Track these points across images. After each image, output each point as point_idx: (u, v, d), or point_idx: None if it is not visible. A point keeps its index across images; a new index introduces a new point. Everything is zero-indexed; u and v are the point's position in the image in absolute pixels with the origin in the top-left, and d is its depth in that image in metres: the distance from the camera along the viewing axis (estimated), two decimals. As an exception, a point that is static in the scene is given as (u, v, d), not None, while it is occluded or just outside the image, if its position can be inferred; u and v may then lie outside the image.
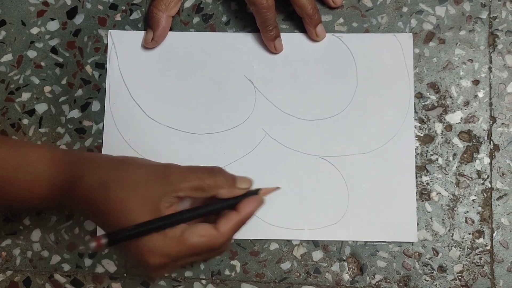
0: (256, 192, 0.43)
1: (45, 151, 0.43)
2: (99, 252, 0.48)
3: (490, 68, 0.52)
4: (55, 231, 0.52)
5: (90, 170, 0.41)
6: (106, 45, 0.54)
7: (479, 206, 0.51)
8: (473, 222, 0.51)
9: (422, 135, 0.52)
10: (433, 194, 0.51)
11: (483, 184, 0.51)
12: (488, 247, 0.50)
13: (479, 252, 0.50)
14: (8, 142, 0.45)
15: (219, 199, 0.41)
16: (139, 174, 0.40)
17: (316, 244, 0.51)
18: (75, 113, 0.53)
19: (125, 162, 0.42)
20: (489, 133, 0.52)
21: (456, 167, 0.51)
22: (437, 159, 0.51)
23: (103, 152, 0.52)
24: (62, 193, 0.41)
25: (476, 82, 0.52)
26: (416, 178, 0.51)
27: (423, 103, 0.52)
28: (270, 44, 0.52)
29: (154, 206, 0.39)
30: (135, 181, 0.40)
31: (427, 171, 0.51)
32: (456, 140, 0.52)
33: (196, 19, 0.54)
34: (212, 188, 0.41)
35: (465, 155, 0.51)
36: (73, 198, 0.41)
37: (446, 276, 0.50)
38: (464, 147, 0.51)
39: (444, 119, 0.52)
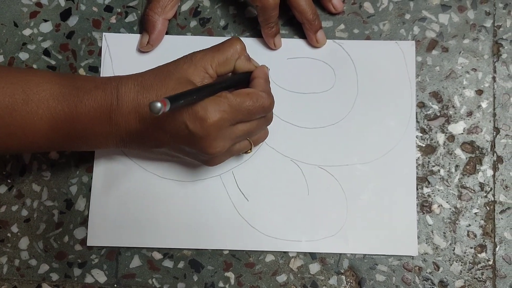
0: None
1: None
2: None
3: (494, 78, 0.51)
4: (44, 239, 0.50)
5: (124, 80, 0.44)
6: (100, 48, 0.52)
7: (482, 219, 0.49)
8: (475, 236, 0.49)
9: (423, 145, 0.50)
10: (435, 207, 0.50)
11: (486, 197, 0.50)
12: (490, 262, 0.49)
13: (481, 267, 0.49)
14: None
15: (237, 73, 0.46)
16: (168, 66, 0.44)
17: (313, 256, 0.49)
18: (67, 118, 0.52)
19: (150, 70, 0.45)
20: (493, 145, 0.50)
21: (459, 179, 0.50)
22: (439, 171, 0.50)
23: (95, 156, 0.51)
24: (110, 109, 0.43)
25: (479, 92, 0.51)
26: (417, 189, 0.50)
27: (425, 113, 0.51)
28: (270, 41, 0.51)
29: (192, 84, 0.42)
30: (167, 70, 0.43)
31: (429, 182, 0.50)
32: (458, 151, 0.50)
33: (193, 23, 0.53)
34: (234, 57, 0.45)
35: (468, 167, 0.50)
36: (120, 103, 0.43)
37: (447, 292, 0.48)
38: (466, 158, 0.50)
39: (447, 130, 0.51)
